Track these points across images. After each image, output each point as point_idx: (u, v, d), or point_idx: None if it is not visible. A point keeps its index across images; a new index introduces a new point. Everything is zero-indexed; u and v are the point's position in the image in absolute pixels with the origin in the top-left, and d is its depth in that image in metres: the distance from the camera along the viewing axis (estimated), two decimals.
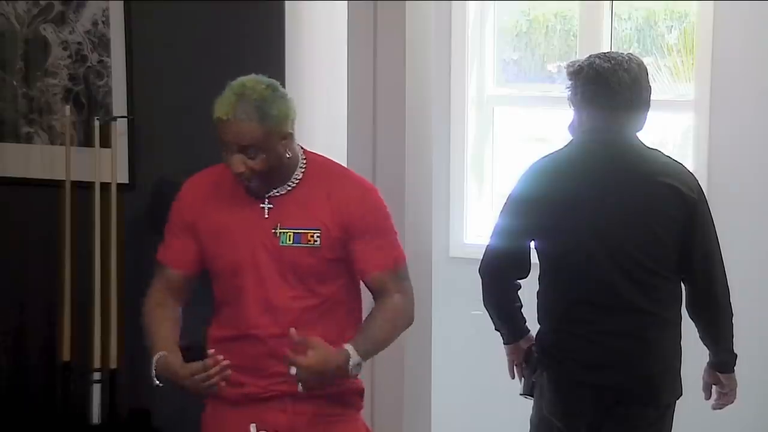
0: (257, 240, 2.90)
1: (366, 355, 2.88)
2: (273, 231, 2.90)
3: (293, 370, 2.77)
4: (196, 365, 2.76)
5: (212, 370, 2.75)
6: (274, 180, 2.90)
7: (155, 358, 2.85)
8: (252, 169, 2.82)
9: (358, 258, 2.95)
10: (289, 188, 2.93)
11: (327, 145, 3.66)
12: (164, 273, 3.03)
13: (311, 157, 2.98)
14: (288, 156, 2.88)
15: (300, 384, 2.80)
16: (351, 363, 2.82)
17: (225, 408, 3.00)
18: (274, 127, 2.80)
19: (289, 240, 2.90)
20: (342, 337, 2.94)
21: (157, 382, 2.85)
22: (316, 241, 2.90)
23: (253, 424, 2.95)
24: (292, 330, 2.78)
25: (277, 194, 2.92)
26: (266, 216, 2.91)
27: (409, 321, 3.05)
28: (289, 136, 2.86)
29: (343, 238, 2.92)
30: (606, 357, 3.35)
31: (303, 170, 2.94)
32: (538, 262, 3.43)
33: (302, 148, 2.97)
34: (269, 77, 2.87)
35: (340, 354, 2.82)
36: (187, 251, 3.00)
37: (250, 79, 2.83)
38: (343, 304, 2.97)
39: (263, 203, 2.91)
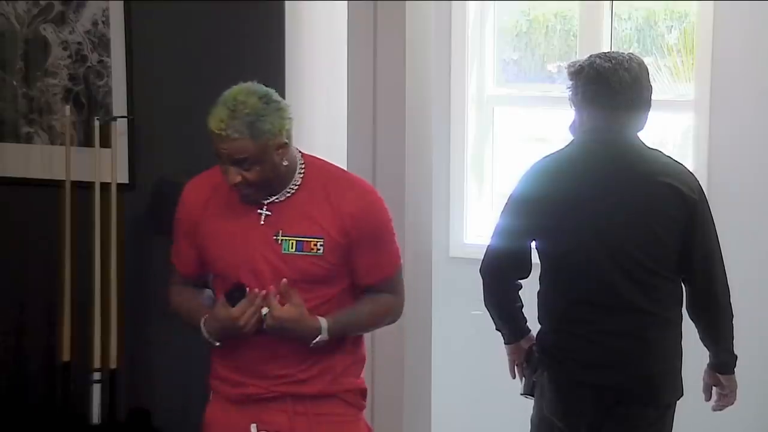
0: (258, 245, 2.89)
1: (335, 334, 2.89)
2: (274, 238, 2.89)
3: (264, 311, 2.81)
4: (244, 303, 2.81)
5: (257, 301, 2.80)
6: (270, 188, 2.88)
7: (202, 322, 2.90)
8: (247, 180, 2.81)
9: (359, 269, 2.95)
10: (288, 194, 2.90)
11: (327, 145, 3.66)
12: (178, 274, 3.08)
13: (309, 161, 2.95)
14: (285, 164, 2.86)
15: (264, 324, 2.84)
16: (316, 339, 2.86)
17: (226, 408, 3.00)
18: (268, 140, 2.77)
19: (292, 248, 2.88)
20: (342, 339, 2.96)
21: (216, 343, 2.90)
22: (319, 249, 2.88)
23: (254, 425, 2.95)
24: (284, 280, 2.82)
25: (277, 201, 2.90)
26: (266, 222, 2.89)
27: (394, 319, 3.10)
28: (284, 146, 2.83)
29: (345, 243, 2.90)
30: (606, 357, 3.35)
31: (302, 175, 2.92)
32: (538, 262, 3.43)
33: (300, 152, 2.95)
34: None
35: (312, 327, 2.85)
36: (192, 254, 3.01)
37: (242, 91, 2.79)
38: (344, 304, 2.96)
39: (261, 210, 2.90)
